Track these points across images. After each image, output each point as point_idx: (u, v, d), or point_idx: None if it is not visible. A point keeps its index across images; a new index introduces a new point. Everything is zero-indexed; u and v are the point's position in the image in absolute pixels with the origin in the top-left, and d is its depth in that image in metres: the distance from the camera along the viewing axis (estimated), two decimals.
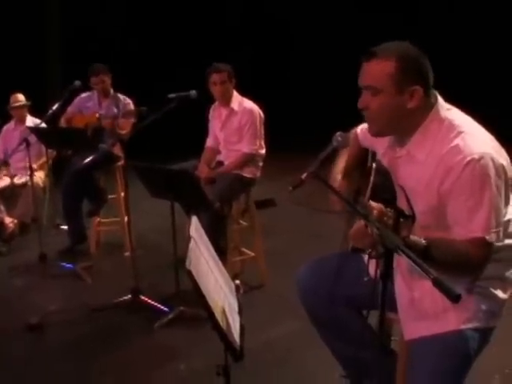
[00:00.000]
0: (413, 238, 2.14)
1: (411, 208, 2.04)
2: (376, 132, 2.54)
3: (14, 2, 10.08)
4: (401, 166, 2.54)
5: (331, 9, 12.19)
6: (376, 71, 2.38)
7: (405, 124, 2.44)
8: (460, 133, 2.34)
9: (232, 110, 5.18)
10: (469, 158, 2.25)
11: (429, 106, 2.42)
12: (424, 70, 2.40)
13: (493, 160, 2.26)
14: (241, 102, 5.20)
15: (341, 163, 3.00)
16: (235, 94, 5.22)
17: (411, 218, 2.03)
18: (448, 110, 2.45)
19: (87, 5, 11.20)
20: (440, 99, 2.46)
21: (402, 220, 2.02)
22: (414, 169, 2.45)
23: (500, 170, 2.27)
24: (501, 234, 2.32)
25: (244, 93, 5.27)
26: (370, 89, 2.40)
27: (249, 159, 5.14)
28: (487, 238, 2.27)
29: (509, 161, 2.36)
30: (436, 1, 11.22)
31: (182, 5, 12.01)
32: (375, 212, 2.05)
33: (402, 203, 2.49)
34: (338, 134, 2.56)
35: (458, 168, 2.27)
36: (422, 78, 2.39)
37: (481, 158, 2.24)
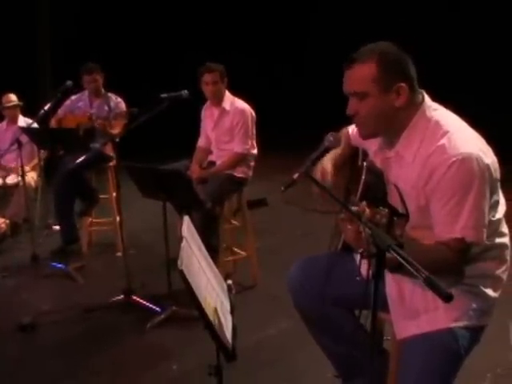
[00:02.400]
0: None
1: (405, 206, 2.04)
2: (367, 135, 2.55)
3: (5, 3, 10.05)
4: (391, 167, 2.56)
5: (323, 7, 12.21)
6: (358, 76, 2.40)
7: (394, 123, 2.45)
8: (446, 132, 2.34)
9: (224, 109, 5.17)
10: (453, 159, 2.26)
11: (416, 104, 2.44)
12: (406, 67, 2.41)
13: (478, 161, 2.26)
14: (232, 102, 5.19)
15: (330, 156, 2.97)
16: (227, 93, 5.22)
17: (405, 216, 2.03)
18: (435, 109, 2.46)
19: (78, 5, 11.18)
20: (427, 99, 2.47)
21: (395, 219, 2.02)
22: (403, 169, 2.46)
23: (485, 170, 2.27)
24: (483, 236, 2.33)
25: (235, 92, 5.26)
26: (356, 95, 2.41)
27: (241, 159, 5.14)
28: (467, 239, 2.28)
29: (495, 160, 2.36)
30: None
31: (175, 3, 12.03)
32: (368, 210, 2.05)
33: (394, 202, 2.49)
34: (330, 134, 2.56)
35: (442, 168, 2.28)
36: (405, 74, 2.40)
37: (465, 158, 2.25)
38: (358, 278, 2.49)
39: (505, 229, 2.53)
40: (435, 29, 10.74)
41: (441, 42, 10.53)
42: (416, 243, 2.31)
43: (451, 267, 2.34)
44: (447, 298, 1.78)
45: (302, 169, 2.41)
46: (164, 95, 4.59)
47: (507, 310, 3.18)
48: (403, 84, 2.37)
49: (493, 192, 2.35)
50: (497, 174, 2.36)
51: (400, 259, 1.87)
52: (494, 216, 2.40)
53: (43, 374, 3.96)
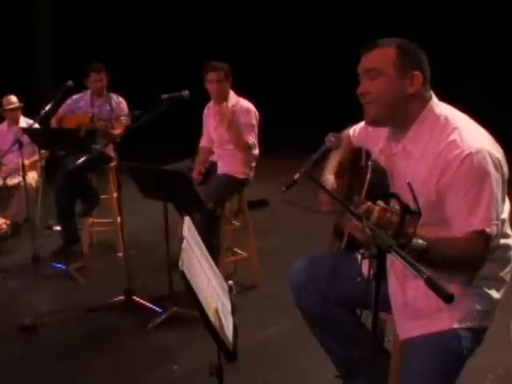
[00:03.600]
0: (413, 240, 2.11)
1: (417, 204, 2.03)
2: (373, 119, 2.53)
3: (5, 4, 10.05)
4: (398, 163, 2.55)
5: (325, 8, 12.20)
6: (378, 56, 2.44)
7: (402, 111, 2.45)
8: (456, 128, 2.36)
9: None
10: (466, 152, 2.26)
11: (426, 99, 2.45)
12: (423, 60, 2.45)
13: (490, 154, 2.27)
14: (237, 101, 5.17)
15: (332, 163, 2.99)
16: (231, 93, 5.20)
17: (417, 213, 2.01)
18: (443, 107, 2.47)
19: (79, 5, 11.17)
20: (434, 97, 2.48)
21: (408, 216, 2.01)
22: (411, 165, 2.46)
23: (497, 163, 2.29)
24: (499, 228, 2.33)
25: (238, 93, 5.25)
26: (373, 71, 2.43)
27: (247, 147, 5.09)
28: (487, 230, 2.27)
29: (503, 156, 2.37)
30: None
31: (177, 3, 12.04)
32: (377, 209, 2.04)
33: (404, 199, 2.49)
34: (331, 134, 2.56)
35: (455, 163, 2.28)
36: (421, 66, 2.44)
37: (478, 151, 2.26)
38: (358, 279, 2.49)
39: (509, 230, 2.53)
40: (438, 28, 10.72)
41: (445, 42, 10.49)
42: (439, 238, 2.30)
43: (473, 260, 2.31)
44: (448, 299, 1.77)
45: (302, 169, 2.40)
46: (165, 96, 4.58)
47: (508, 311, 3.17)
48: (419, 73, 2.41)
49: (502, 186, 2.35)
50: (505, 169, 2.36)
51: (401, 260, 1.86)
52: (501, 213, 2.39)
53: (44, 374, 3.96)
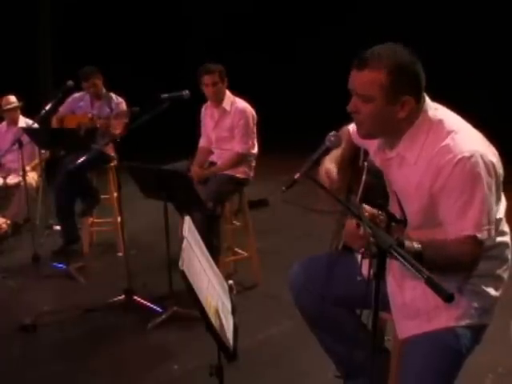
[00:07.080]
0: (407, 243, 2.12)
1: (403, 212, 2.03)
2: (365, 135, 2.54)
3: (5, 4, 10.05)
4: (392, 168, 2.54)
5: (324, 9, 12.21)
6: (367, 81, 2.33)
7: (394, 130, 2.44)
8: (449, 132, 2.34)
9: (224, 110, 5.16)
10: (459, 157, 2.25)
11: (418, 111, 2.41)
12: (416, 79, 2.36)
13: (483, 158, 2.26)
14: (233, 102, 5.18)
15: (333, 156, 2.95)
16: (227, 93, 5.20)
17: (403, 222, 2.03)
18: (436, 109, 2.44)
19: (78, 5, 11.17)
20: (427, 99, 2.44)
21: (393, 224, 2.02)
22: (405, 170, 2.45)
23: (490, 167, 2.28)
24: (493, 232, 2.32)
25: (237, 92, 5.25)
26: (361, 97, 2.37)
27: (241, 159, 5.12)
28: (478, 235, 2.27)
29: (498, 158, 2.36)
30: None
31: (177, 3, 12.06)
32: (366, 214, 2.05)
33: (394, 206, 2.49)
34: (331, 134, 2.55)
35: (448, 167, 2.27)
36: (414, 88, 2.36)
37: (471, 156, 2.25)
38: (359, 279, 2.49)
39: (506, 228, 2.53)
40: (436, 29, 10.72)
41: (443, 42, 10.50)
42: (433, 241, 2.31)
43: (466, 263, 2.31)
44: (448, 299, 1.78)
45: (302, 169, 2.40)
46: (165, 95, 4.57)
47: (508, 310, 3.18)
48: (410, 97, 2.34)
49: (497, 189, 2.34)
50: (500, 171, 2.35)
51: (401, 259, 1.87)
52: (495, 214, 2.39)
53: (44, 374, 3.96)
